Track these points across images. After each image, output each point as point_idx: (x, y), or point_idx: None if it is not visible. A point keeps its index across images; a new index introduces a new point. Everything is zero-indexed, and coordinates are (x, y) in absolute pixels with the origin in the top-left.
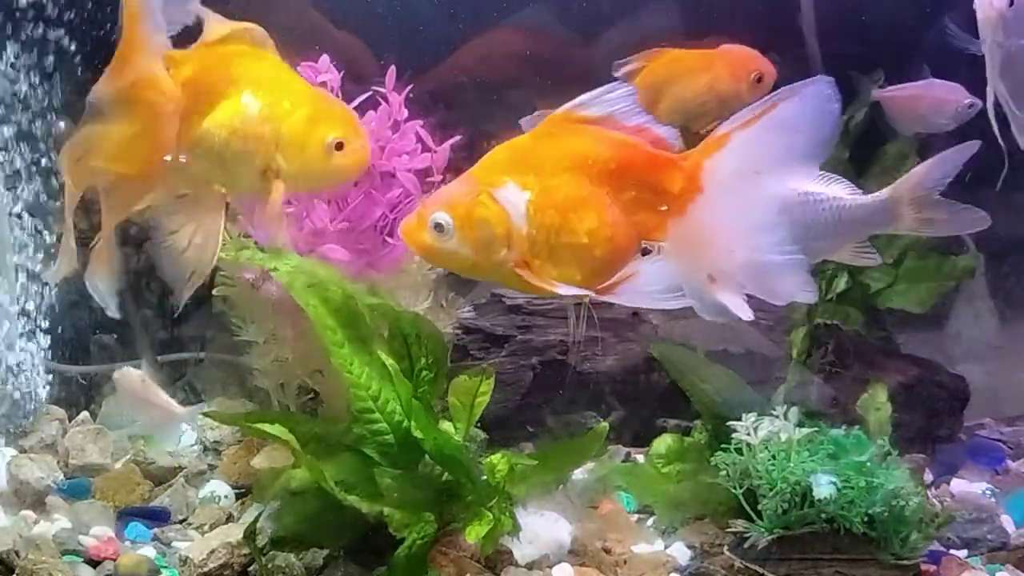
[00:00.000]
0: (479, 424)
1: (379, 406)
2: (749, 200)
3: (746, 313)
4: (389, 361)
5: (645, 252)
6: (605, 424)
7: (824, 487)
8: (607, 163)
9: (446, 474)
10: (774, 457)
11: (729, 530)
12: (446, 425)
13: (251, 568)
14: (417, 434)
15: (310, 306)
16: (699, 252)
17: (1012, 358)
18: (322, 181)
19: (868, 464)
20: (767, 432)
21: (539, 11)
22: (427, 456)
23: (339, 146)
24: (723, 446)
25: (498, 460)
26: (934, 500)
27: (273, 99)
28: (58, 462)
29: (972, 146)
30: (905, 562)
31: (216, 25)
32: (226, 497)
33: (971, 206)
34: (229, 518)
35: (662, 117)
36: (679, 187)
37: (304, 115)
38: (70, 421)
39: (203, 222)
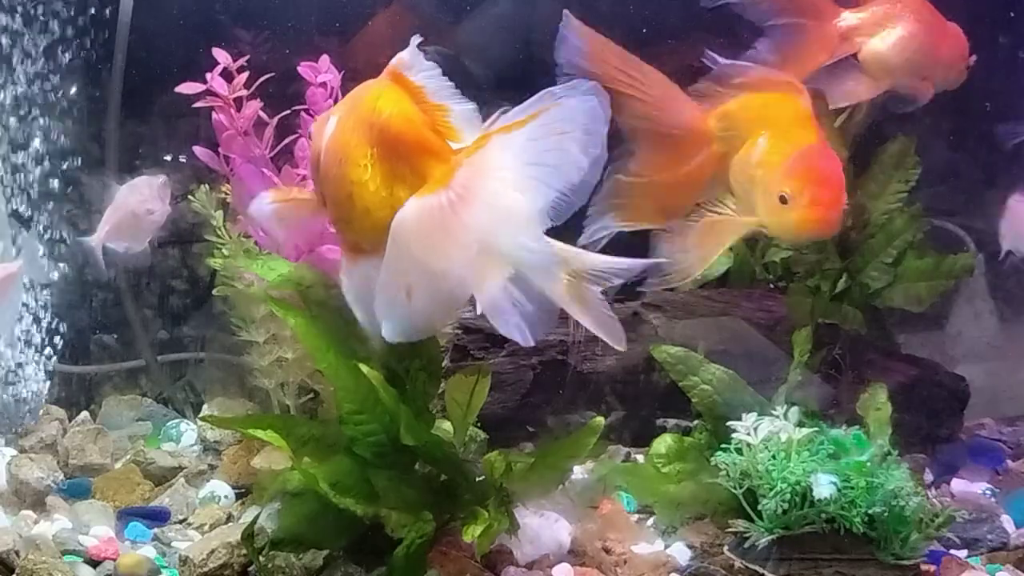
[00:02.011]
0: (479, 424)
1: (368, 407)
2: (491, 216)
3: (402, 337)
4: (374, 374)
5: None
6: (600, 419)
7: (824, 487)
8: (384, 127)
9: (443, 474)
10: (774, 457)
11: (729, 530)
12: (445, 425)
13: (251, 568)
14: (407, 439)
15: (288, 316)
16: (412, 253)
17: (1012, 358)
18: (774, 229)
19: (868, 464)
20: (767, 432)
21: None
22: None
23: (783, 200)
24: (723, 446)
25: (495, 458)
26: (934, 500)
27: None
28: (58, 462)
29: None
30: (905, 562)
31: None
32: (226, 497)
33: (616, 323)
34: (229, 518)
35: (869, 59)
36: (433, 176)
37: (775, 163)
38: (70, 421)
39: (708, 242)
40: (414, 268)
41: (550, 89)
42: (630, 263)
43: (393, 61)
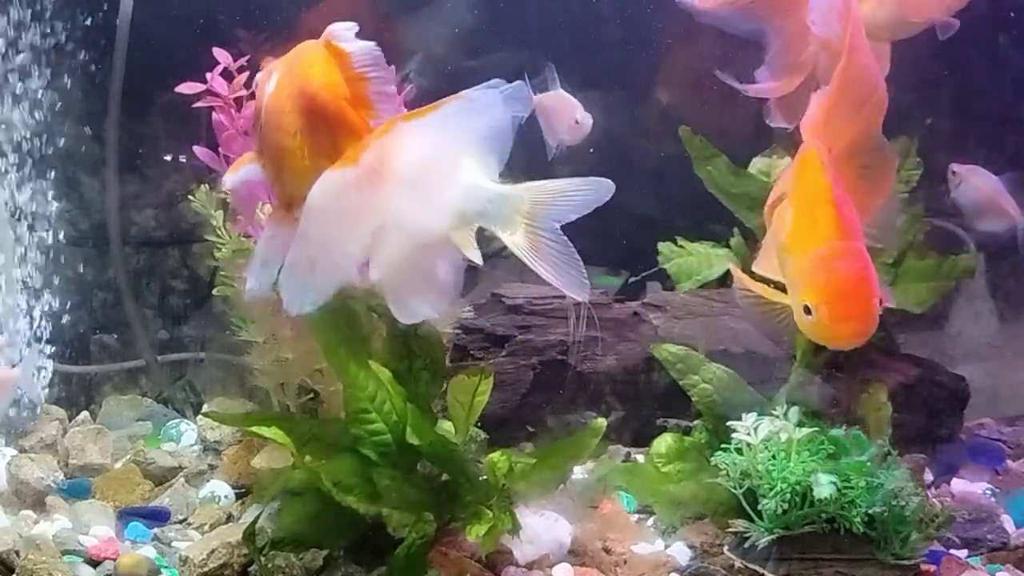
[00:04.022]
0: (479, 424)
1: (376, 407)
2: (398, 194)
3: (297, 308)
4: (382, 370)
5: None
6: (602, 420)
7: (824, 487)
8: (313, 96)
9: (445, 474)
10: (774, 457)
11: (729, 530)
12: (446, 425)
13: (251, 568)
14: (412, 438)
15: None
16: (318, 226)
17: (1012, 358)
18: (806, 332)
19: (868, 464)
20: (767, 432)
21: None
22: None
23: (807, 310)
24: (723, 446)
25: (498, 458)
26: (934, 500)
27: None
28: (58, 462)
29: (607, 188)
30: (905, 562)
31: None
32: (226, 497)
33: (579, 270)
34: (229, 518)
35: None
36: (346, 152)
37: (799, 267)
38: (70, 421)
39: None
40: (318, 241)
41: (465, 91)
42: (585, 186)
43: (330, 27)
